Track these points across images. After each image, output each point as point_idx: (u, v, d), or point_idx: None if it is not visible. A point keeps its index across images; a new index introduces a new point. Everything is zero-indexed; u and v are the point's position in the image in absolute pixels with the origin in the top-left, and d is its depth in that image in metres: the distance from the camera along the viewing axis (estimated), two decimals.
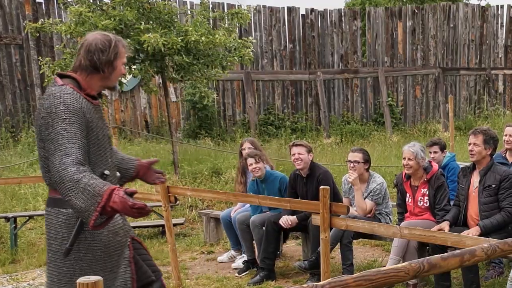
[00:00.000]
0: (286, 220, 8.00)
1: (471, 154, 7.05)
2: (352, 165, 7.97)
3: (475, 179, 7.12)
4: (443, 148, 8.79)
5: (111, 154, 4.39)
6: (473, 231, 6.76)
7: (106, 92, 16.23)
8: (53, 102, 4.02)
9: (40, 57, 13.88)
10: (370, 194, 7.98)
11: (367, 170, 8.10)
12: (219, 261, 9.04)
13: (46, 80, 12.09)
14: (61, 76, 4.24)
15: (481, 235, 6.58)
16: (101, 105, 4.39)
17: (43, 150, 4.14)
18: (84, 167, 3.87)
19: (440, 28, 22.33)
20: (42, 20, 12.66)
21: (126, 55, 4.38)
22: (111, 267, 4.23)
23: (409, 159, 7.50)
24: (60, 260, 4.12)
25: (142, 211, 3.78)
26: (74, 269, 4.11)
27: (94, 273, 3.99)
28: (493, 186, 6.91)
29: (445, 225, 7.07)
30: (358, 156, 7.98)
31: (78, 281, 2.48)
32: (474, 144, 6.96)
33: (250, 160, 8.45)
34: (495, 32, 23.25)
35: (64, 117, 3.97)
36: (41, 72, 13.01)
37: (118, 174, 4.54)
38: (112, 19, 11.22)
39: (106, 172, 4.18)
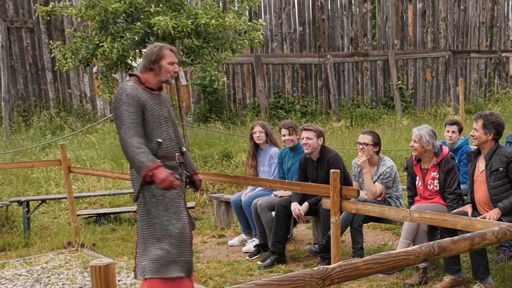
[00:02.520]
0: (295, 209, 8.04)
1: (473, 139, 7.05)
2: (361, 147, 7.94)
3: (481, 163, 7.06)
4: (460, 129, 8.86)
5: (168, 129, 5.89)
6: (493, 214, 6.75)
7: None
8: (119, 91, 5.68)
9: (51, 41, 13.88)
10: (380, 177, 7.95)
11: (377, 153, 8.06)
12: (230, 245, 9.05)
13: (57, 64, 12.06)
14: (130, 75, 5.89)
15: (502, 216, 6.63)
16: (161, 96, 5.90)
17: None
18: (141, 139, 5.57)
19: (451, 11, 22.23)
20: (52, 3, 12.66)
21: (174, 58, 5.85)
22: (174, 209, 5.82)
23: (414, 141, 7.45)
24: (139, 204, 5.84)
25: (172, 187, 5.55)
26: (147, 210, 5.80)
27: (158, 211, 5.78)
28: (501, 169, 6.86)
29: (468, 207, 7.08)
30: (367, 138, 7.95)
31: (91, 263, 2.60)
32: (475, 129, 6.95)
33: (284, 131, 8.58)
34: (506, 14, 23.14)
35: (125, 101, 5.59)
36: (52, 56, 13.06)
37: (184, 149, 6.12)
38: (122, 2, 11.13)
39: (159, 140, 5.74)
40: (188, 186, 6.37)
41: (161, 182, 5.48)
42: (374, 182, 7.96)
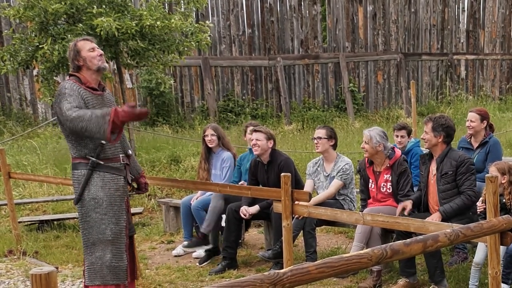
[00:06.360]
0: (243, 211, 7.97)
1: (424, 142, 7.14)
2: (316, 141, 7.92)
3: (433, 166, 7.12)
4: (409, 133, 8.92)
5: None
6: (434, 217, 6.76)
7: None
8: (59, 88, 5.77)
9: None
10: (339, 173, 7.87)
11: (334, 147, 8.02)
12: (174, 255, 8.78)
13: None
14: (70, 75, 5.90)
15: (443, 220, 6.63)
16: (104, 96, 5.97)
17: (64, 130, 5.78)
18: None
19: (401, 13, 22.31)
20: None
21: (90, 44, 5.87)
22: (113, 212, 5.86)
23: (365, 142, 7.50)
24: (78, 206, 5.89)
25: (143, 114, 5.62)
26: (86, 213, 5.84)
27: (96, 215, 5.80)
28: (450, 173, 6.90)
29: (408, 203, 7.08)
30: (321, 132, 7.92)
31: (31, 272, 2.56)
32: (425, 132, 7.05)
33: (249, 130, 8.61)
34: (456, 17, 23.31)
35: (66, 93, 5.63)
36: None
37: (130, 152, 6.20)
38: (63, 3, 10.91)
39: (103, 141, 5.68)
40: (134, 191, 6.49)
41: (132, 115, 5.47)
42: (333, 178, 7.91)
